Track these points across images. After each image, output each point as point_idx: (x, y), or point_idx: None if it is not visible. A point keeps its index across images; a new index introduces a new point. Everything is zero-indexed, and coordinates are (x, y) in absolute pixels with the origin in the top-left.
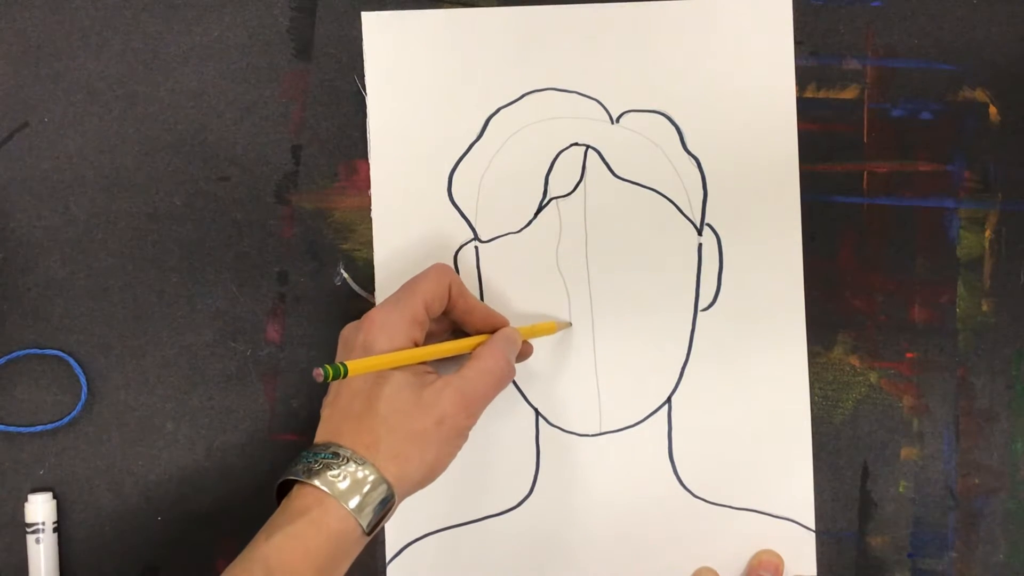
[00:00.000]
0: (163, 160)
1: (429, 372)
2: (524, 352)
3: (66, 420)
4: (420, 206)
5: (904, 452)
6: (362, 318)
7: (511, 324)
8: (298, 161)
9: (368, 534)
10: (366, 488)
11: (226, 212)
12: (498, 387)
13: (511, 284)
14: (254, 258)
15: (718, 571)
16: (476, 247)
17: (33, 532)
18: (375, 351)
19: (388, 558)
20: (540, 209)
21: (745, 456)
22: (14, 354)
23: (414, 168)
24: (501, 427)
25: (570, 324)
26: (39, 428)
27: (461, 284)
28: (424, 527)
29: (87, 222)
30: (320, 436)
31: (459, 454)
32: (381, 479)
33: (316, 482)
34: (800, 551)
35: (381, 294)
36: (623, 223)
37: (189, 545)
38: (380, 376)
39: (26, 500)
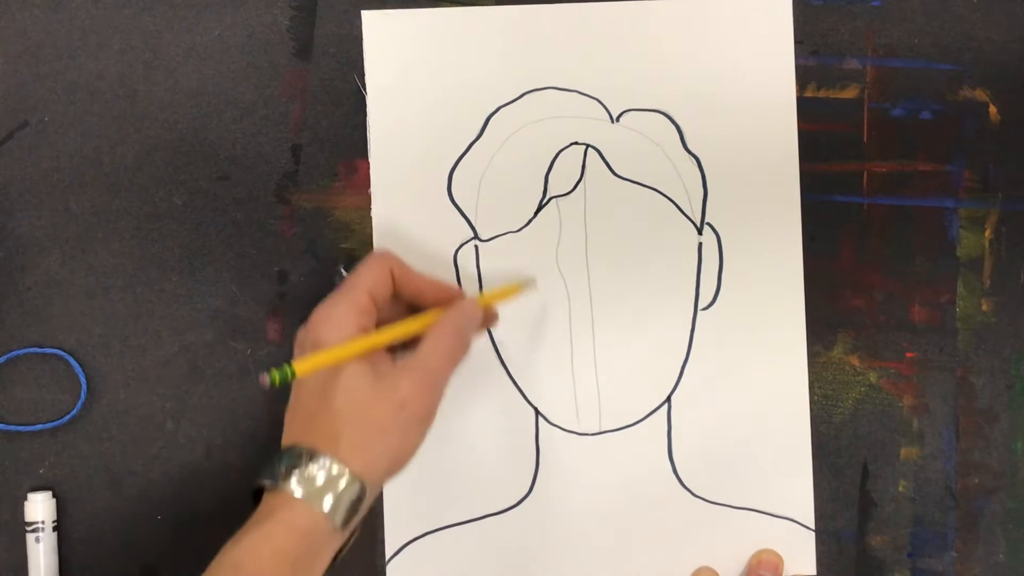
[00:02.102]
0: (163, 160)
1: (385, 360)
2: (488, 320)
3: (66, 419)
4: (420, 205)
5: (904, 452)
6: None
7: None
8: (298, 161)
9: (342, 528)
10: (331, 481)
11: (226, 212)
12: (454, 361)
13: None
14: (254, 258)
15: (718, 571)
16: (476, 246)
17: (33, 531)
18: (324, 347)
19: (388, 557)
20: (540, 208)
21: (745, 455)
22: (14, 353)
23: (414, 168)
24: (500, 426)
25: (535, 279)
26: (39, 427)
27: (403, 265)
28: (424, 526)
29: (87, 222)
30: (284, 440)
31: (458, 452)
32: (345, 471)
33: (281, 484)
34: (800, 551)
35: None
36: (623, 222)
37: (189, 545)
38: (334, 371)
39: (26, 499)
